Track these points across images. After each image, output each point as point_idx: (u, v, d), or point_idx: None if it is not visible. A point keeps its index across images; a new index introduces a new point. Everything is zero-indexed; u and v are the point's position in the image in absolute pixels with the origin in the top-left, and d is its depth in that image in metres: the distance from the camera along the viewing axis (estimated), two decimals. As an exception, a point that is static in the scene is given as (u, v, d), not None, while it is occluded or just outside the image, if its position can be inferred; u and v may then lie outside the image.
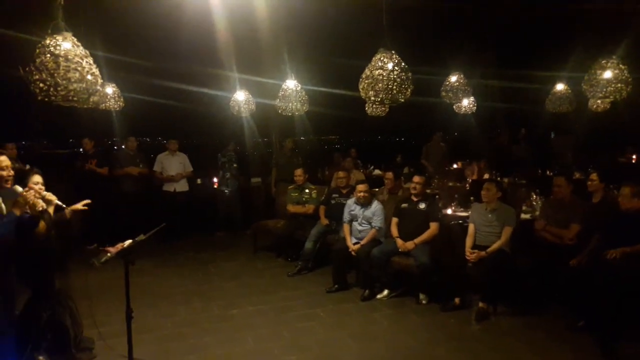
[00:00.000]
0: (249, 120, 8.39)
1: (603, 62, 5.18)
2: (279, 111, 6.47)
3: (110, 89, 6.57)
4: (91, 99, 3.32)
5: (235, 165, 8.28)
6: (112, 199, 7.48)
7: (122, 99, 6.72)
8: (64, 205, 3.56)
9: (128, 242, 3.13)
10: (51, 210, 3.43)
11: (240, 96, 7.63)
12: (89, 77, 3.07)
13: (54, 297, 3.61)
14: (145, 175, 7.78)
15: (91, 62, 3.15)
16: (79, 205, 3.69)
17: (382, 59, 4.54)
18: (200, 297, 5.27)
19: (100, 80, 3.22)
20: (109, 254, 3.06)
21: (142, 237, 3.19)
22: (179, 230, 7.73)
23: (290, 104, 6.27)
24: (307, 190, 6.71)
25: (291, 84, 6.31)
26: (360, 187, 5.61)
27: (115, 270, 3.30)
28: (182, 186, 7.99)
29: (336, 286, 5.41)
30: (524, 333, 4.23)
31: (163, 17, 5.72)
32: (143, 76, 7.55)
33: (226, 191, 8.18)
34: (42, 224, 3.34)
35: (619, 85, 5.16)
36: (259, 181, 8.71)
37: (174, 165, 7.96)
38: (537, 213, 5.19)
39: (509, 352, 3.93)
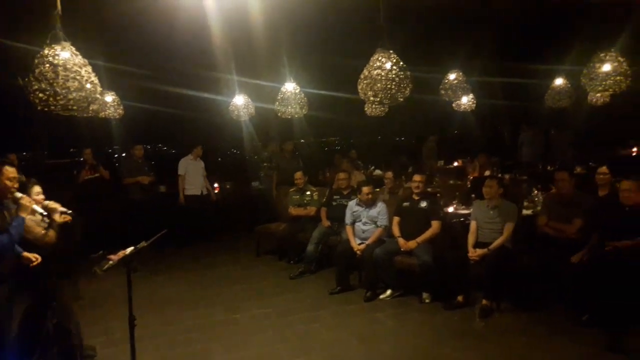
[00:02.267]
0: (248, 124, 8.40)
1: (602, 55, 5.19)
2: (279, 114, 6.49)
3: (109, 97, 6.60)
4: (90, 108, 3.34)
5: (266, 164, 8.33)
6: (119, 207, 7.52)
7: (121, 107, 6.75)
8: (69, 211, 3.61)
9: (130, 249, 3.13)
10: (57, 217, 3.51)
11: (240, 100, 7.65)
12: (88, 85, 3.08)
13: (60, 305, 3.62)
14: (152, 183, 7.78)
15: (90, 70, 3.16)
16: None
17: (380, 58, 4.54)
18: (205, 302, 5.28)
19: (99, 89, 3.23)
20: (110, 262, 3.06)
21: (143, 244, 3.19)
22: (200, 234, 7.79)
23: (289, 107, 6.28)
24: (308, 193, 6.72)
25: (290, 86, 6.32)
26: (365, 189, 5.60)
27: (119, 277, 3.30)
28: (205, 189, 8.04)
29: (339, 288, 5.41)
30: (528, 329, 4.22)
31: (161, 23, 5.74)
32: (142, 83, 7.57)
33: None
34: (51, 232, 3.44)
35: (618, 77, 5.17)
36: (259, 185, 8.71)
37: (196, 170, 7.97)
38: (539, 209, 5.18)
39: (514, 348, 3.93)
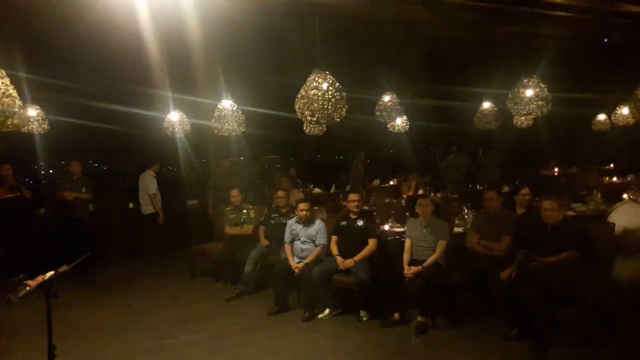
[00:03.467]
0: (184, 141, 8.19)
1: (525, 80, 5.52)
2: (215, 131, 6.38)
3: (33, 111, 6.21)
4: (9, 122, 3.12)
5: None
6: (39, 227, 7.06)
7: (47, 122, 6.37)
8: None
9: (50, 273, 2.91)
10: None
11: (175, 116, 7.46)
12: (4, 98, 2.88)
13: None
14: (88, 201, 7.37)
15: (8, 82, 2.96)
16: None
17: (316, 79, 4.59)
18: (134, 328, 5.00)
19: (18, 102, 3.03)
20: (27, 288, 2.82)
21: (65, 267, 2.98)
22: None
23: (226, 124, 6.19)
24: (244, 211, 6.60)
25: (227, 104, 6.24)
26: (302, 205, 5.60)
27: (38, 303, 3.05)
28: (150, 208, 7.88)
29: (277, 308, 5.32)
30: (462, 344, 4.33)
31: (93, 35, 5.51)
32: (71, 97, 7.20)
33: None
34: None
35: (540, 102, 5.50)
36: (195, 203, 8.48)
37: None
38: (469, 226, 5.38)
39: (448, 364, 4.01)
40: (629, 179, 8.53)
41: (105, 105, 7.62)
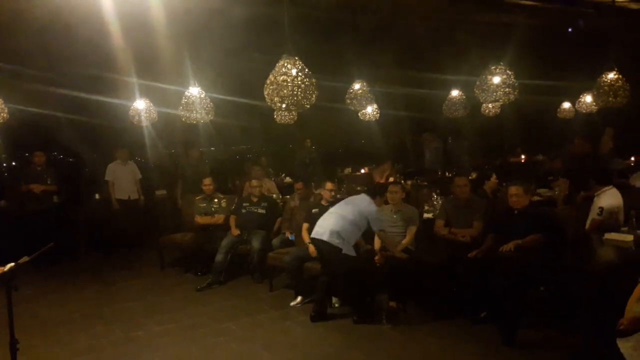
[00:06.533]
0: (151, 130, 8.01)
1: (492, 68, 5.59)
2: (183, 119, 6.25)
3: (-10, 100, 5.96)
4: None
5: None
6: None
7: (6, 111, 6.13)
8: None
9: (9, 265, 2.80)
10: None
11: (140, 104, 7.28)
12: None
13: None
14: (54, 192, 7.17)
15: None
16: None
17: (285, 64, 4.54)
18: (102, 321, 4.88)
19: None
20: (-14, 280, 2.71)
21: (25, 259, 2.87)
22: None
23: (194, 112, 6.07)
24: (216, 200, 6.50)
25: (195, 91, 6.11)
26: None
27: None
28: (134, 193, 7.66)
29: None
30: (432, 327, 4.40)
31: (52, 19, 5.28)
32: (32, 85, 6.93)
33: None
34: None
35: (507, 89, 5.60)
36: (164, 193, 8.32)
37: (124, 174, 7.58)
38: (438, 212, 5.44)
39: (420, 347, 4.06)
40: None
41: (67, 93, 7.35)
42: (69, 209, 7.59)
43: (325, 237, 4.56)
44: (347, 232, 4.60)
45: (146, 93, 7.33)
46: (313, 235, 4.73)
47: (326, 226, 4.64)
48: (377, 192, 5.00)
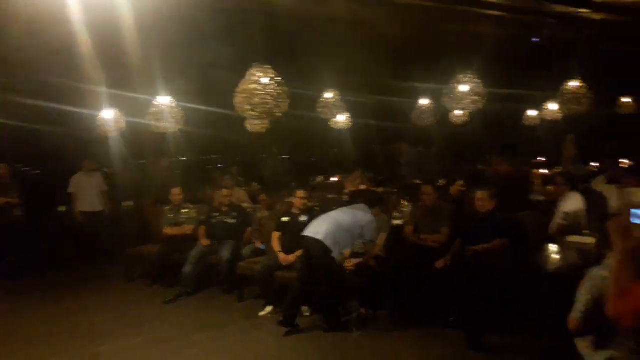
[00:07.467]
0: (119, 141, 7.85)
1: (460, 76, 5.69)
2: (153, 128, 6.16)
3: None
4: None
5: None
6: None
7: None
8: None
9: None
10: None
11: (108, 114, 7.14)
12: None
13: None
14: (16, 205, 6.96)
15: None
16: None
17: (256, 73, 4.54)
18: (66, 336, 4.71)
19: None
20: None
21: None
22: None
23: (164, 122, 5.99)
24: (185, 211, 6.39)
25: (165, 100, 6.04)
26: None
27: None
28: (97, 206, 7.47)
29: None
30: (402, 333, 4.42)
31: (15, 23, 5.13)
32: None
33: None
34: None
35: (475, 97, 5.71)
36: (131, 205, 8.15)
37: (88, 185, 7.44)
38: (408, 219, 5.49)
39: (390, 353, 4.08)
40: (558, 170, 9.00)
41: (32, 102, 7.15)
42: (32, 222, 7.37)
43: (320, 237, 4.53)
44: (341, 237, 4.60)
45: (115, 102, 7.20)
46: (307, 233, 4.67)
47: (323, 227, 4.61)
48: (376, 202, 5.03)
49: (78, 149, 8.23)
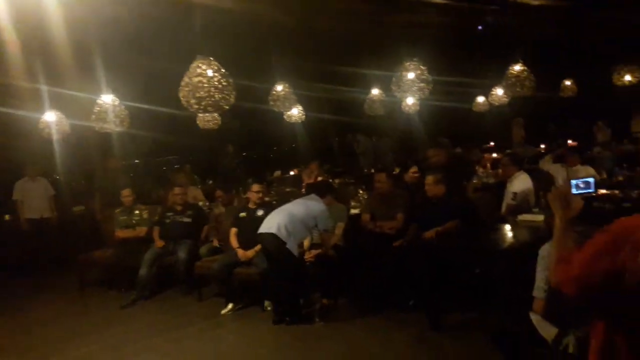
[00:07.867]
0: (63, 144, 7.53)
1: (407, 64, 5.75)
2: (96, 129, 5.93)
3: None
4: None
5: None
6: None
7: None
8: None
9: None
10: None
11: (51, 116, 6.82)
12: None
13: None
14: None
15: None
16: None
17: (200, 65, 4.42)
18: (15, 351, 4.50)
19: None
20: None
21: None
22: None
23: (107, 122, 5.78)
24: (137, 212, 6.19)
25: (107, 98, 5.81)
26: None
27: None
28: (45, 212, 7.21)
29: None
30: (364, 320, 4.43)
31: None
32: None
33: None
34: None
35: (422, 84, 5.78)
36: (82, 209, 7.84)
37: (34, 191, 7.16)
38: (364, 207, 5.52)
39: (353, 340, 4.09)
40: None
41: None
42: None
43: (273, 230, 4.46)
44: (295, 228, 4.54)
45: (57, 104, 6.88)
46: (261, 230, 4.59)
47: (275, 221, 4.53)
48: (325, 191, 5.00)
49: (20, 153, 7.83)
